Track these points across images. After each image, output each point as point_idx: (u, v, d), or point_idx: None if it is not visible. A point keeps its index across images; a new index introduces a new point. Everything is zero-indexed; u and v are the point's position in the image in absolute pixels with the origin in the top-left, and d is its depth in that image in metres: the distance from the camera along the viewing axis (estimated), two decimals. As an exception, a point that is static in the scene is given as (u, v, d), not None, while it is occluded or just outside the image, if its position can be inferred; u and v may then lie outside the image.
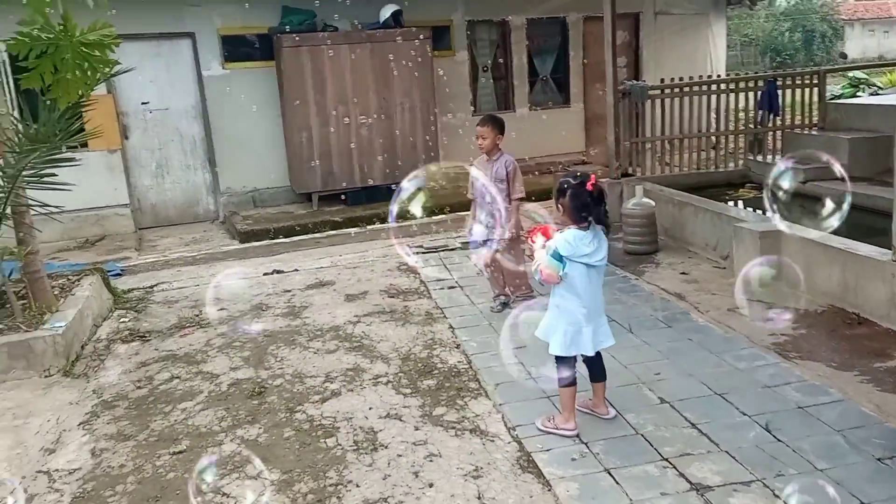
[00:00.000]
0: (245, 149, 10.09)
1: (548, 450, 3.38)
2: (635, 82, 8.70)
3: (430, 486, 3.17)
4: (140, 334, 5.49)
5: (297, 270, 7.24)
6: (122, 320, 5.89)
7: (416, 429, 3.69)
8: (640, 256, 6.82)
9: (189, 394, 4.35)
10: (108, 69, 5.29)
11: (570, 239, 3.41)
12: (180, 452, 3.61)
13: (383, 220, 9.43)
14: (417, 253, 7.59)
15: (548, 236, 3.50)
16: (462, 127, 11.39)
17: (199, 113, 9.97)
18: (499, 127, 5.32)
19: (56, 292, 5.62)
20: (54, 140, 5.10)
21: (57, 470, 3.52)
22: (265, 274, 7.18)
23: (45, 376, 4.69)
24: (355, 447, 3.55)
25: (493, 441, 3.51)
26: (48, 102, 5.18)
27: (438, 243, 7.87)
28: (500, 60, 12.04)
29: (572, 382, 3.52)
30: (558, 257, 3.41)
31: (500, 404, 3.91)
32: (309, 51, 9.52)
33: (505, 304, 5.42)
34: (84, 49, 4.14)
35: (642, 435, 3.47)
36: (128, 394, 4.41)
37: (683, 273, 6.21)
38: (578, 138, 12.65)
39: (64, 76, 5.01)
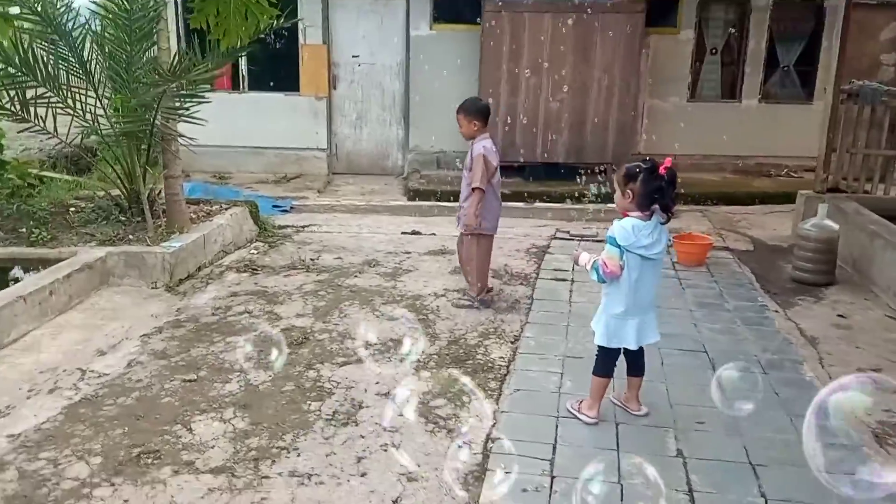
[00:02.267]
0: (438, 109, 10.21)
1: (507, 472, 3.00)
2: (868, 82, 7.24)
3: (363, 475, 2.99)
4: (254, 267, 5.88)
5: (433, 234, 7.24)
6: (252, 251, 6.36)
7: (399, 415, 3.50)
8: (807, 287, 5.75)
9: (244, 329, 4.57)
10: (269, 18, 5.68)
11: (629, 227, 3.24)
12: (191, 381, 3.81)
13: (553, 198, 9.06)
14: (559, 238, 7.18)
15: None
16: (673, 113, 10.46)
17: (402, 70, 10.30)
18: (472, 112, 4.86)
19: (194, 216, 6.21)
20: (201, 75, 5.51)
21: (92, 371, 3.92)
22: (403, 233, 7.28)
23: (152, 288, 5.23)
24: (331, 418, 3.46)
25: (460, 448, 3.21)
26: (211, 42, 5.62)
27: (590, 232, 7.35)
28: (733, 44, 10.77)
29: (607, 374, 3.46)
30: (615, 244, 3.24)
31: (503, 412, 3.55)
32: (510, 16, 9.32)
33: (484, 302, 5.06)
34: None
35: (621, 485, 2.93)
36: (199, 318, 4.75)
37: (840, 315, 5.12)
38: (815, 142, 10.95)
39: (224, 20, 5.46)
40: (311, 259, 6.19)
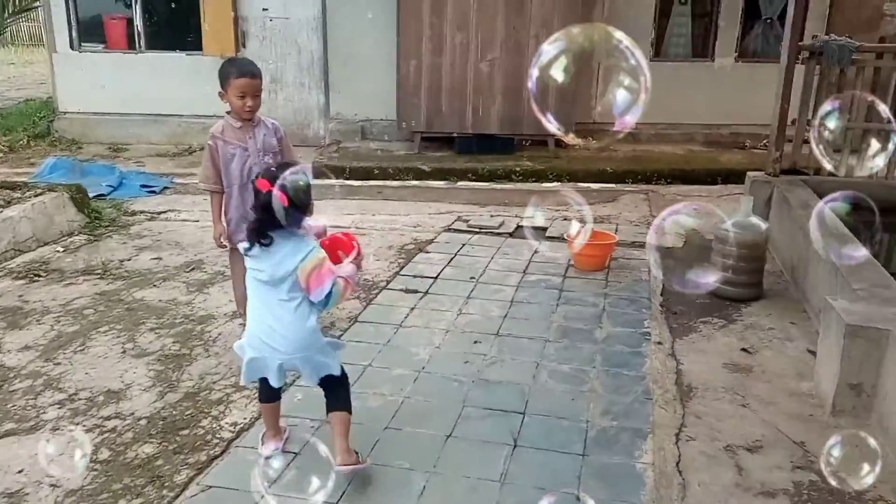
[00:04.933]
0: (361, 73, 9.00)
1: None
2: (834, 37, 5.80)
3: None
4: (41, 272, 4.81)
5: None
6: (58, 249, 5.28)
7: None
8: (725, 303, 4.51)
9: (-67, 371, 3.52)
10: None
11: None
12: None
13: (481, 176, 7.82)
14: (454, 229, 5.98)
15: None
16: (633, 75, 9.04)
17: (320, 26, 9.03)
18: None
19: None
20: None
21: None
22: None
23: None
24: None
25: None
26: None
27: (496, 221, 6.13)
28: (707, -8, 9.29)
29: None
30: None
31: None
32: (430, -39, 7.97)
33: None
34: None
35: None
36: None
37: (745, 350, 3.88)
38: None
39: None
40: (121, 260, 5.10)
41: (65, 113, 9.15)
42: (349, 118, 9.25)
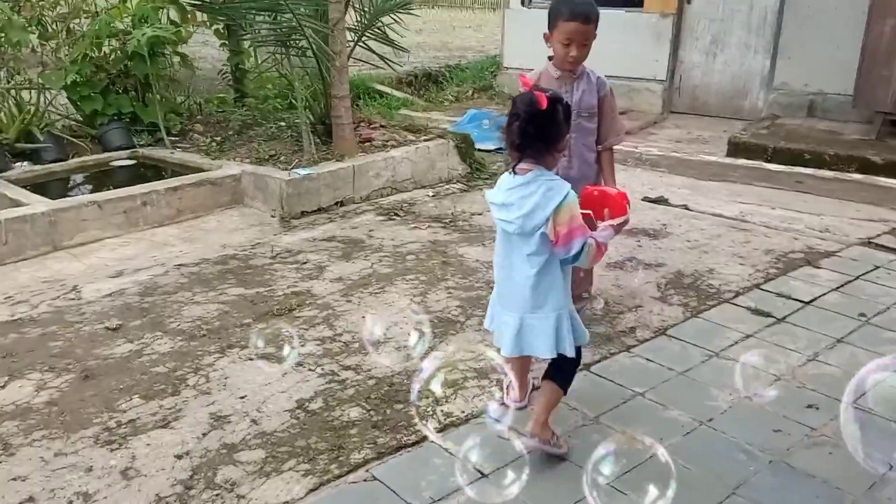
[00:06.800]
0: (821, 34, 7.36)
1: None
2: None
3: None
4: (403, 212, 5.05)
5: (685, 208, 5.24)
6: (431, 193, 5.49)
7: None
8: None
9: (268, 272, 3.94)
10: None
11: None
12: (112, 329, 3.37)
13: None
14: (875, 244, 4.47)
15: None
16: None
17: (782, -24, 7.59)
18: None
19: (375, 144, 5.59)
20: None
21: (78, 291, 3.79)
22: (645, 199, 5.45)
23: (271, 216, 4.90)
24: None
25: None
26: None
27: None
28: None
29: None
30: None
31: None
32: None
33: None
34: None
35: None
36: (249, 259, 4.24)
37: None
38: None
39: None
40: (472, 213, 5.06)
41: (507, 68, 9.60)
42: (797, 90, 7.67)
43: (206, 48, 9.06)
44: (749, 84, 8.09)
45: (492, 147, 6.73)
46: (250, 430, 2.61)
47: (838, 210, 5.20)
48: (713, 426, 2.63)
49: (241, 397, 2.82)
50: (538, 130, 2.21)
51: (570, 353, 2.36)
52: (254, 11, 5.45)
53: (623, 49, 8.09)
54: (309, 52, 5.28)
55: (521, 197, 2.24)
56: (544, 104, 2.17)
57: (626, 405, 2.76)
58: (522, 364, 2.66)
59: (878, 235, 4.63)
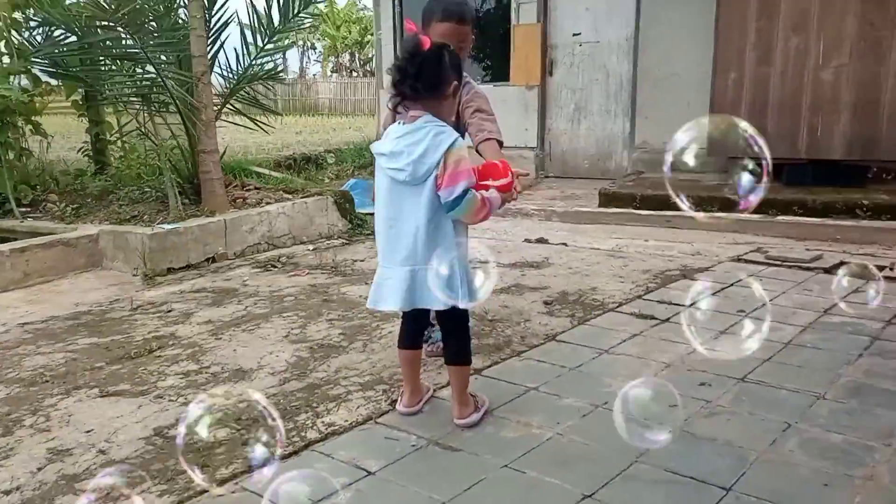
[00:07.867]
0: (672, 95, 7.93)
1: None
2: None
3: None
4: (278, 264, 4.81)
5: (564, 245, 5.30)
6: (312, 247, 5.30)
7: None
8: None
9: (126, 322, 3.54)
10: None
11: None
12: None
13: (812, 211, 6.19)
14: (744, 260, 4.65)
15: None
16: None
17: (631, 48, 8.22)
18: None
19: (251, 201, 5.38)
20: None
21: None
22: (526, 240, 5.48)
23: (133, 275, 4.53)
24: None
25: None
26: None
27: (810, 255, 4.65)
28: None
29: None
30: None
31: None
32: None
33: None
34: None
35: None
36: (106, 313, 3.85)
37: None
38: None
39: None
40: (355, 260, 4.90)
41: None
42: (657, 147, 8.17)
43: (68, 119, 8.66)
44: (612, 146, 8.56)
45: (373, 211, 6.65)
46: (96, 460, 2.24)
47: (707, 239, 5.44)
48: (610, 407, 2.50)
49: (87, 431, 2.44)
50: (420, 72, 2.16)
51: (464, 304, 2.23)
52: (110, 65, 5.23)
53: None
54: (172, 107, 5.08)
55: (409, 143, 2.17)
56: (427, 44, 2.17)
57: (521, 398, 2.61)
58: (413, 365, 2.50)
59: (747, 253, 4.85)
